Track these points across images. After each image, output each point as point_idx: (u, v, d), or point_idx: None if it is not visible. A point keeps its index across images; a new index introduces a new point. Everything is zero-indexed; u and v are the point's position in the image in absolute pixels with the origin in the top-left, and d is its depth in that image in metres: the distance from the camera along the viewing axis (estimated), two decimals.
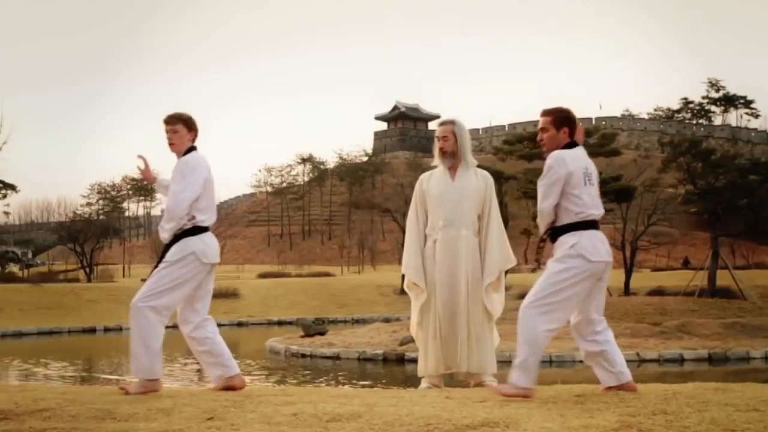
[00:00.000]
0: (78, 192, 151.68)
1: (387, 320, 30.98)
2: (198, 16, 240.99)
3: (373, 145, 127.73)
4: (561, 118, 4.80)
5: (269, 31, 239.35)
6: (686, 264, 49.78)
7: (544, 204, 4.73)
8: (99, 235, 60.47)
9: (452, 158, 6.01)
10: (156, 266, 5.17)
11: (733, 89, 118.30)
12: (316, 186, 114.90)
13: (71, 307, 36.15)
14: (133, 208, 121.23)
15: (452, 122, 6.08)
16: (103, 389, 5.72)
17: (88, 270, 53.28)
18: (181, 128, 5.27)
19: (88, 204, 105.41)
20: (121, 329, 33.96)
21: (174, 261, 5.10)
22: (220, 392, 5.12)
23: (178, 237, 5.16)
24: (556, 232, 4.77)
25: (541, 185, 4.75)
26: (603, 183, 30.23)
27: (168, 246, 5.17)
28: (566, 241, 4.69)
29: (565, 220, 4.73)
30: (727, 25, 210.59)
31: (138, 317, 5.01)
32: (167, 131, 5.29)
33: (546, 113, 4.85)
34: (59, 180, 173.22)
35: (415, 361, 6.67)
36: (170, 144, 5.29)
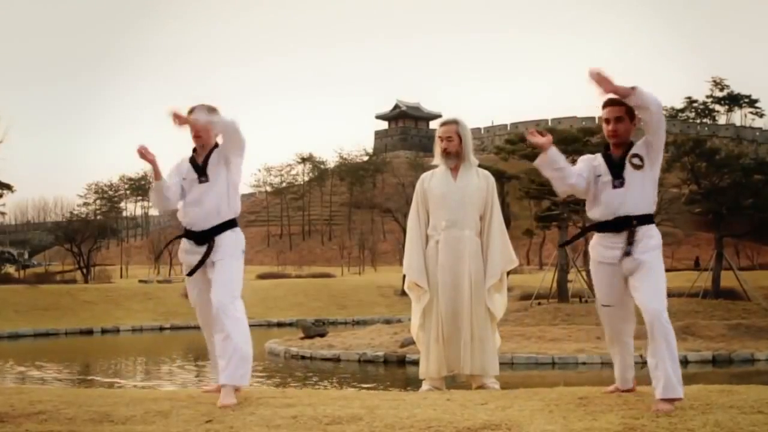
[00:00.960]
0: (75, 192, 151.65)
1: (388, 322, 31.01)
2: (195, 15, 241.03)
3: (374, 145, 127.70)
4: (632, 109, 4.56)
5: (268, 29, 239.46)
6: (697, 264, 49.82)
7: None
8: (96, 235, 60.56)
9: (456, 159, 6.00)
10: (204, 260, 4.91)
11: (737, 88, 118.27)
12: (316, 186, 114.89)
13: (68, 308, 36.16)
14: (131, 208, 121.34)
15: (456, 122, 6.05)
16: (100, 392, 5.72)
17: (85, 271, 53.38)
18: None
19: (85, 204, 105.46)
20: (118, 331, 34.02)
21: (236, 255, 4.95)
22: (218, 395, 5.11)
23: (224, 227, 4.97)
24: (646, 218, 4.50)
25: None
26: None
27: (209, 235, 4.93)
28: (654, 234, 4.50)
29: (649, 210, 4.53)
30: (732, 23, 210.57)
31: (239, 317, 4.74)
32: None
33: (619, 102, 4.51)
34: (56, 179, 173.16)
35: (416, 363, 6.67)
36: (196, 137, 5.02)
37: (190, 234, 5.05)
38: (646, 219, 4.49)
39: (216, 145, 5.09)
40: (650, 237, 4.47)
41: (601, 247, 4.59)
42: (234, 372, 4.67)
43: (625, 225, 4.47)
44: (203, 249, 4.96)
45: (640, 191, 4.49)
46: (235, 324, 4.74)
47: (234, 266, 4.93)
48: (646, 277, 4.39)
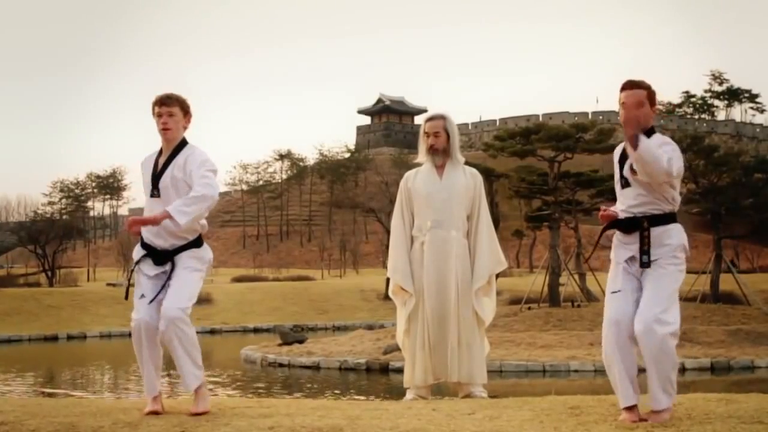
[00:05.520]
0: (39, 190, 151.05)
1: (370, 327, 30.96)
2: (172, 11, 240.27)
3: (356, 141, 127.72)
4: (653, 94, 4.37)
5: (245, 22, 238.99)
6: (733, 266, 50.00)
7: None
8: (62, 236, 60.19)
9: (443, 156, 6.01)
10: (179, 276, 4.73)
11: (737, 82, 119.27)
12: (294, 184, 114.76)
13: (32, 313, 35.93)
14: (99, 207, 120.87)
15: (443, 117, 6.05)
16: (65, 402, 5.68)
17: (49, 273, 53.02)
18: (178, 111, 4.83)
19: (50, 203, 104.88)
20: (85, 337, 33.86)
21: (199, 268, 4.79)
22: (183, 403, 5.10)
23: (192, 243, 4.81)
24: (660, 219, 4.30)
25: (677, 157, 4.21)
26: (600, 181, 30.37)
27: (172, 252, 4.75)
28: (680, 237, 4.32)
29: (671, 208, 4.33)
30: (731, 14, 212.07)
31: (185, 329, 4.62)
32: (161, 114, 4.79)
33: (639, 85, 4.31)
34: (19, 177, 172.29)
35: (399, 370, 6.67)
36: (165, 129, 4.77)
37: (147, 248, 4.80)
38: (665, 219, 4.31)
39: (184, 143, 4.86)
40: (672, 238, 4.30)
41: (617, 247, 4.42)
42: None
43: (635, 226, 4.32)
44: (161, 269, 4.75)
45: (649, 190, 4.30)
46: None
47: (194, 276, 4.78)
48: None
